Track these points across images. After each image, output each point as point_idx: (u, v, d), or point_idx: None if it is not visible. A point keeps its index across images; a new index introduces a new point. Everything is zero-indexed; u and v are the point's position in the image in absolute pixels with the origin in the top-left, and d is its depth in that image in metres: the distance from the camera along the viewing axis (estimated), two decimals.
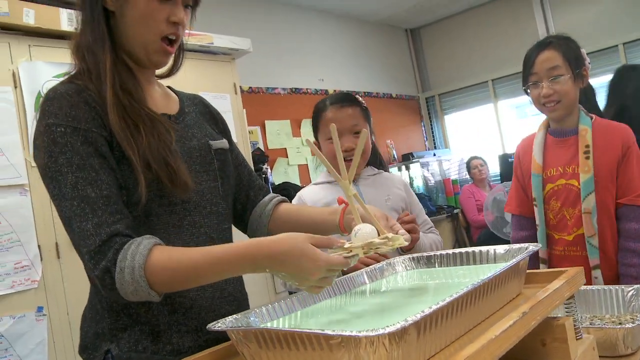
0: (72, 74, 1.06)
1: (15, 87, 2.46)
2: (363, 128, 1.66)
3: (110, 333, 1.02)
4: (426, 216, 1.81)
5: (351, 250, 0.88)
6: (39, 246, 2.42)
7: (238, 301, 1.14)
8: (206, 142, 1.14)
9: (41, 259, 2.41)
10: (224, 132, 1.27)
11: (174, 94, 1.21)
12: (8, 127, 2.41)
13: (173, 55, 1.12)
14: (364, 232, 0.93)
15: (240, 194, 1.27)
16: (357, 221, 0.98)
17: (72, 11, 2.61)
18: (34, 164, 2.43)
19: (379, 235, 0.94)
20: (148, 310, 1.02)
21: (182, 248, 0.94)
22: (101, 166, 0.95)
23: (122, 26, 1.04)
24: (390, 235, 0.95)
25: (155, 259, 0.90)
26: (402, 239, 0.95)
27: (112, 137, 0.98)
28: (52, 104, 0.97)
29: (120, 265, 0.89)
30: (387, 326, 0.60)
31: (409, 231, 1.29)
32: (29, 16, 2.47)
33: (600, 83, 5.75)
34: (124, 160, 0.98)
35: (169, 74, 1.21)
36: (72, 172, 0.93)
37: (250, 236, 1.29)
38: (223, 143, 1.19)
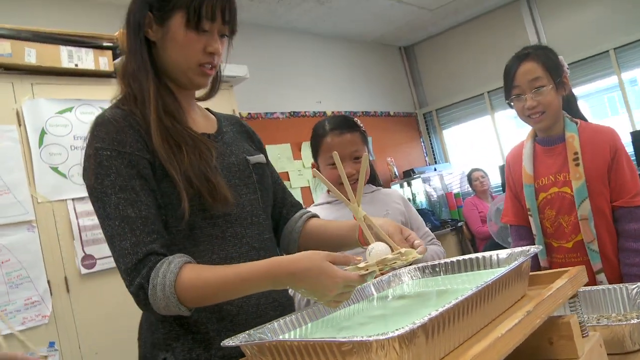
0: (118, 98, 1.13)
1: (20, 125, 2.51)
2: (363, 153, 1.71)
3: (165, 342, 1.07)
4: (427, 228, 1.83)
5: (367, 269, 0.91)
6: (48, 281, 2.44)
7: (283, 306, 1.19)
8: (244, 158, 1.20)
9: (51, 294, 2.43)
10: (260, 149, 1.33)
11: (212, 115, 1.29)
12: (14, 165, 2.45)
13: (212, 77, 1.18)
14: (377, 250, 0.96)
15: (274, 211, 1.33)
16: (370, 241, 1.01)
17: (72, 48, 2.67)
18: (40, 199, 2.49)
19: (392, 252, 0.97)
20: (197, 319, 1.07)
21: (211, 266, 0.99)
22: (142, 188, 1.02)
23: (163, 55, 1.12)
24: (403, 250, 0.98)
25: (185, 277, 0.95)
26: (415, 253, 0.99)
27: (155, 158, 1.04)
28: (100, 129, 1.04)
29: (152, 282, 0.95)
30: (397, 329, 0.62)
31: None
32: (31, 55, 2.53)
33: (594, 89, 5.81)
34: (167, 178, 1.04)
35: (207, 97, 1.28)
36: (115, 193, 1.00)
37: (282, 250, 1.34)
38: (260, 157, 1.26)
